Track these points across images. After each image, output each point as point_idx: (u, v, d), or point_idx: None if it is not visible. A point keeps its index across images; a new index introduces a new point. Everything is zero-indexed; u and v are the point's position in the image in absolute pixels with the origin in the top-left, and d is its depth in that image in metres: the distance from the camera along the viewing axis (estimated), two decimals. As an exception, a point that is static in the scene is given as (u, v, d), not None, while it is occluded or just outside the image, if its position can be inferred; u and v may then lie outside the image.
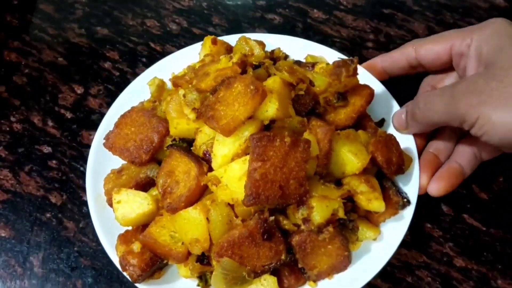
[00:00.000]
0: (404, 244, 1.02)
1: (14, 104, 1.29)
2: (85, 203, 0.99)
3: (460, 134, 1.03)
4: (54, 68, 1.36)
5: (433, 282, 0.98)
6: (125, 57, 1.37)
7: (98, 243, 1.04)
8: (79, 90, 1.31)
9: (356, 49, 1.33)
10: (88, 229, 1.06)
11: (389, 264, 0.99)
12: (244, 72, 0.92)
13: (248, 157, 0.81)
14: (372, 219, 0.93)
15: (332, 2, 1.46)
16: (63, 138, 1.22)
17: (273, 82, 0.88)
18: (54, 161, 1.18)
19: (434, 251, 1.01)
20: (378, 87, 1.04)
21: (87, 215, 1.03)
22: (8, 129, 1.24)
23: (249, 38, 1.03)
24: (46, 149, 1.20)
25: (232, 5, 1.48)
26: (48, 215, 1.10)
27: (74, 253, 1.04)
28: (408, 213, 0.92)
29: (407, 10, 1.43)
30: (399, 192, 0.92)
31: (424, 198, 1.08)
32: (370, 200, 0.87)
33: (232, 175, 0.83)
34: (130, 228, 0.94)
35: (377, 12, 1.43)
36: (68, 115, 1.26)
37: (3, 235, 1.08)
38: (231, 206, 0.85)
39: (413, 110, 0.95)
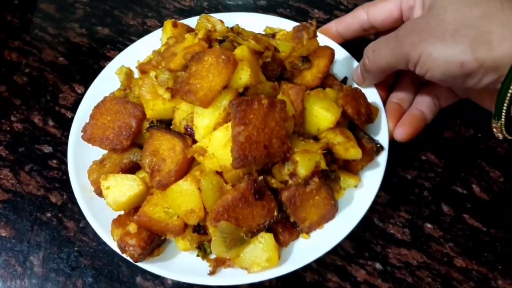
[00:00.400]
0: (404, 244, 1.02)
1: (15, 104, 1.29)
2: (85, 203, 1.00)
3: (419, 84, 1.09)
4: (55, 68, 1.36)
5: (433, 283, 0.98)
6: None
7: (99, 243, 1.04)
8: (80, 90, 1.31)
9: (357, 49, 1.33)
10: (88, 229, 1.06)
11: (389, 264, 1.00)
12: (210, 47, 0.94)
13: (229, 124, 0.84)
14: (351, 168, 0.98)
15: (332, 2, 1.46)
16: (64, 137, 1.22)
17: (241, 51, 0.91)
18: (54, 161, 1.18)
19: (434, 251, 1.01)
20: (337, 49, 1.11)
21: (88, 215, 1.03)
22: (8, 128, 1.24)
23: (210, 16, 1.06)
24: (47, 149, 1.21)
25: (233, 5, 1.48)
26: (48, 214, 1.10)
27: (75, 252, 1.04)
28: (382, 159, 0.98)
29: (407, 10, 1.43)
30: (372, 139, 0.98)
31: (424, 197, 1.08)
32: (347, 149, 0.91)
33: (217, 143, 0.86)
34: (122, 212, 0.95)
35: (378, 12, 1.43)
36: (69, 114, 1.26)
37: (3, 234, 1.08)
38: (220, 174, 0.88)
39: (364, 61, 1.00)
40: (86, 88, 1.30)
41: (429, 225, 1.05)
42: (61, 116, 1.26)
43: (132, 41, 1.40)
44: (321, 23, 1.41)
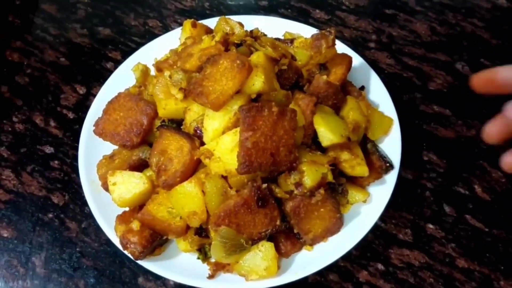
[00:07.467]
0: (406, 244, 1.02)
1: (17, 104, 1.29)
2: (87, 203, 1.00)
3: None
4: (56, 68, 1.36)
5: (436, 283, 0.98)
6: (127, 57, 1.36)
7: (101, 243, 1.05)
8: (81, 90, 1.31)
9: (359, 50, 1.33)
10: (90, 230, 1.06)
11: (391, 264, 1.00)
12: (227, 50, 0.94)
13: (238, 129, 0.84)
14: (357, 183, 0.98)
15: (334, 2, 1.46)
16: (65, 138, 1.22)
17: (257, 57, 0.91)
18: (56, 162, 1.18)
19: (436, 252, 1.01)
20: (354, 56, 1.09)
21: (90, 216, 1.03)
22: (10, 129, 1.24)
23: (229, 18, 1.06)
24: (48, 150, 1.20)
25: (234, 6, 1.48)
26: (50, 215, 1.10)
27: (76, 253, 1.04)
28: (392, 177, 0.98)
29: (409, 11, 1.43)
30: (382, 157, 0.97)
31: (426, 198, 1.08)
32: (353, 166, 0.92)
33: (224, 147, 0.86)
34: (127, 209, 0.96)
35: (379, 12, 1.43)
36: (70, 115, 1.26)
37: (5, 235, 1.08)
38: (225, 178, 0.88)
39: None
40: (88, 88, 1.31)
41: (431, 226, 1.05)
42: (63, 116, 1.26)
43: (134, 42, 1.40)
44: (322, 23, 1.41)
